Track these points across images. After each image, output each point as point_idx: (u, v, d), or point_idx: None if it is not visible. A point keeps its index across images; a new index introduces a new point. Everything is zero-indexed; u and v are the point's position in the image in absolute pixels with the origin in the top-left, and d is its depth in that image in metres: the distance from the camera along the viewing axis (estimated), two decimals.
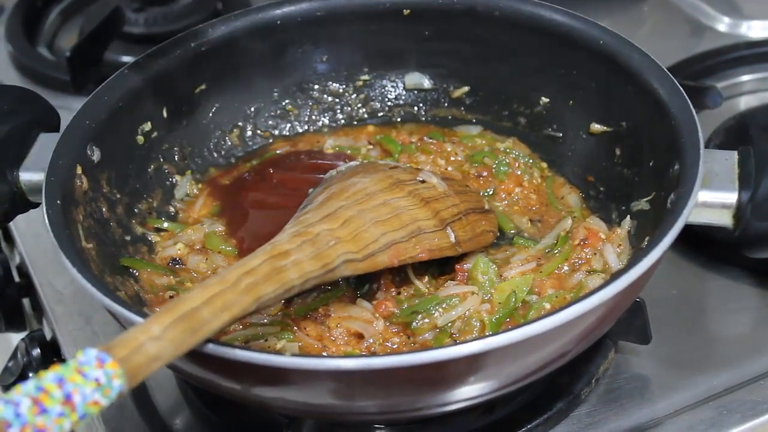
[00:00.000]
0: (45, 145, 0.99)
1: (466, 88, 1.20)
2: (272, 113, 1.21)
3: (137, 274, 1.00)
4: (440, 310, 0.94)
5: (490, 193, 1.11)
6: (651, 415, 0.95)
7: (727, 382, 0.98)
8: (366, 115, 1.23)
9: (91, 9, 1.58)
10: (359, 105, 1.23)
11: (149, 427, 0.97)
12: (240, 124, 1.19)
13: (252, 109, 1.19)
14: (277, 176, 1.13)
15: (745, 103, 1.37)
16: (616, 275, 0.80)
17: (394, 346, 0.93)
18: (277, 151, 1.19)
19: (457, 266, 0.99)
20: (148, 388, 1.01)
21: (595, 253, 0.99)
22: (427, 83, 1.21)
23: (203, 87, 1.14)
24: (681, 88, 0.96)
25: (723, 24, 1.52)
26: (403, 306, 0.95)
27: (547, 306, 0.95)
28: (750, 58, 1.41)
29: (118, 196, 1.02)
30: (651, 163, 0.99)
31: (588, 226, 1.02)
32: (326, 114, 1.23)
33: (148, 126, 1.08)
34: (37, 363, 1.09)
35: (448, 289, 0.97)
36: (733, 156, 0.93)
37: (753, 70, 1.40)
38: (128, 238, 1.02)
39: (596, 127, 1.09)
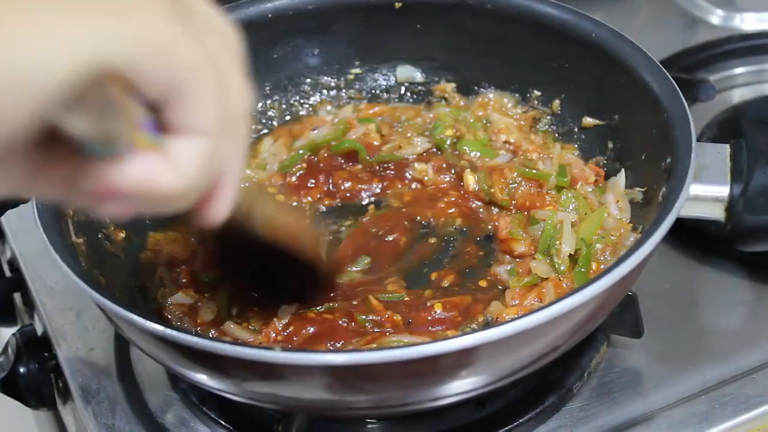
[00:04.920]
0: None
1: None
2: (263, 108, 1.20)
3: None
4: None
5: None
6: (643, 409, 0.95)
7: (719, 375, 0.97)
8: None
9: None
10: (351, 99, 1.22)
11: (140, 423, 0.96)
12: None
13: None
14: None
15: (739, 95, 1.36)
16: (608, 269, 0.79)
17: None
18: None
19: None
20: (139, 384, 1.00)
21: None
22: (418, 76, 1.21)
23: None
24: (673, 81, 0.96)
25: (716, 16, 1.52)
26: None
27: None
28: (743, 51, 1.40)
29: None
30: (643, 157, 0.99)
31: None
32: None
33: None
34: (28, 358, 1.08)
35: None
36: (725, 149, 0.93)
37: (746, 63, 1.40)
38: None
39: (588, 120, 1.09)
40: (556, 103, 1.12)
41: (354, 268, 1.01)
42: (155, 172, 0.57)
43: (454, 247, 1.04)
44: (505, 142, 1.12)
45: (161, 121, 0.58)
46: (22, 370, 1.07)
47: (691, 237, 1.10)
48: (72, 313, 1.10)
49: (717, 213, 0.91)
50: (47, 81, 0.51)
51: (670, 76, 0.97)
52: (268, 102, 1.20)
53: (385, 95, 1.22)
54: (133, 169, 0.57)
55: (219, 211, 0.65)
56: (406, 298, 0.95)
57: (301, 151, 1.13)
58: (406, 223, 1.06)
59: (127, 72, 0.55)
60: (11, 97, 0.51)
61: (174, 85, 0.57)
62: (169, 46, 0.56)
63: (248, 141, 0.65)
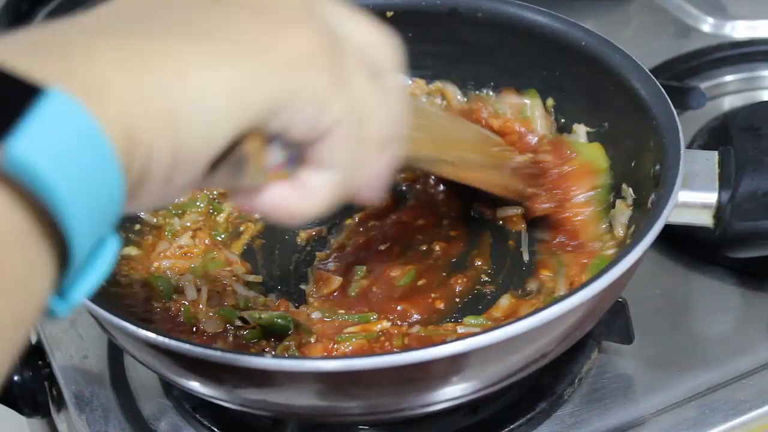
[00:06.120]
0: None
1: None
2: None
3: None
4: None
5: None
6: (634, 415, 0.96)
7: (709, 381, 0.98)
8: None
9: (77, 12, 1.57)
10: None
11: (134, 431, 0.96)
12: None
13: None
14: None
15: (729, 103, 1.37)
16: (596, 276, 0.80)
17: None
18: None
19: None
20: (133, 392, 1.01)
21: None
22: (410, 84, 1.21)
23: None
24: (662, 89, 0.96)
25: (707, 24, 1.52)
26: None
27: None
28: (734, 59, 1.41)
29: None
30: (633, 164, 0.99)
31: None
32: None
33: None
34: (22, 366, 1.08)
35: None
36: (714, 156, 0.94)
37: (737, 71, 1.40)
38: None
39: (579, 127, 1.09)
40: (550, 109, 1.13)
41: (355, 277, 1.02)
42: (287, 201, 0.62)
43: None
44: None
45: (294, 153, 0.61)
46: (16, 378, 1.08)
47: (681, 243, 1.10)
48: (66, 320, 1.10)
49: (705, 219, 0.92)
50: (214, 138, 0.53)
51: (659, 84, 0.97)
52: None
53: None
54: (265, 198, 0.62)
55: (370, 200, 0.68)
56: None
57: None
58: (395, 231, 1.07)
59: (275, 127, 0.57)
60: (184, 157, 0.52)
61: (315, 133, 0.59)
62: (322, 104, 0.58)
63: (398, 156, 0.67)
